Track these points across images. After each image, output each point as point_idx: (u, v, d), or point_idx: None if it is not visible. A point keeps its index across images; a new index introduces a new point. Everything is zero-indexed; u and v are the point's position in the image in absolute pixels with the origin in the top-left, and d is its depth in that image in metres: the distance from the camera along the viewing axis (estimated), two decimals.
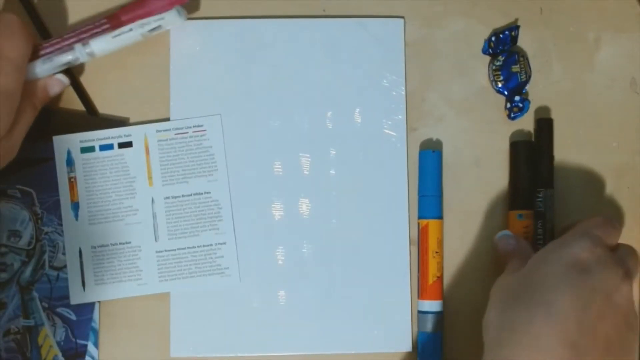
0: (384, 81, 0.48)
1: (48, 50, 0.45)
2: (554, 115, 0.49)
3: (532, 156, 0.47)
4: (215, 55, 0.48)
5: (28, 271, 0.46)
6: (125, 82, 0.48)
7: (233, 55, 0.48)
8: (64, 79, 0.46)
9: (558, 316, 0.36)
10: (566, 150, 0.48)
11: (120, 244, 0.46)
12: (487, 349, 0.39)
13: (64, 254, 0.46)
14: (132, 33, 0.45)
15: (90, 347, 0.46)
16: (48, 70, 0.45)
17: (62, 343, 0.46)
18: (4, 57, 0.41)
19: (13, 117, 0.41)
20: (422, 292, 0.46)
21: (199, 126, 0.47)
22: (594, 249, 0.39)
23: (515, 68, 0.48)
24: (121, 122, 0.47)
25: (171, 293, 0.46)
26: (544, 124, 0.48)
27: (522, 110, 0.48)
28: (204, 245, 0.47)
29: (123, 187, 0.47)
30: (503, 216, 0.48)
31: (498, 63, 0.48)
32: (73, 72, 0.47)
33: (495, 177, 0.48)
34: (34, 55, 0.44)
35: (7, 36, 0.41)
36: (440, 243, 0.47)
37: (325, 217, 0.47)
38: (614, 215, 0.48)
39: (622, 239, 0.48)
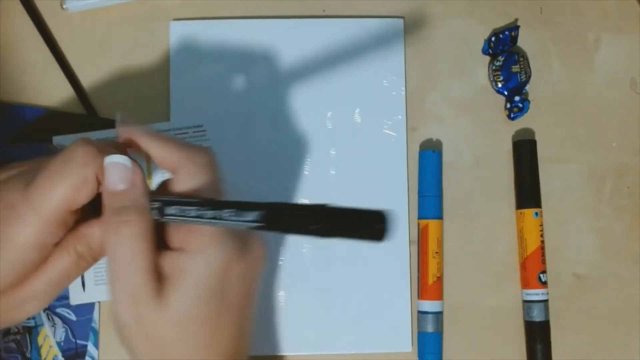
0: (384, 81, 0.48)
1: None
2: (554, 115, 0.49)
3: (535, 154, 0.47)
4: (215, 55, 0.48)
5: None
6: (125, 83, 0.48)
7: (233, 55, 0.48)
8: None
9: None
10: (566, 150, 0.48)
11: None
12: None
13: None
14: None
15: (90, 347, 0.46)
16: None
17: (62, 343, 0.46)
18: None
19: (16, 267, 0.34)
20: (422, 292, 0.46)
21: (199, 126, 0.47)
22: None
23: (515, 68, 0.47)
24: None
25: None
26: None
27: (522, 111, 0.48)
28: None
29: None
30: (504, 216, 0.48)
31: (498, 63, 0.48)
32: (73, 73, 0.47)
33: (495, 177, 0.48)
34: None
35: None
36: (440, 243, 0.47)
37: None
38: (614, 215, 0.48)
39: (622, 239, 0.48)
